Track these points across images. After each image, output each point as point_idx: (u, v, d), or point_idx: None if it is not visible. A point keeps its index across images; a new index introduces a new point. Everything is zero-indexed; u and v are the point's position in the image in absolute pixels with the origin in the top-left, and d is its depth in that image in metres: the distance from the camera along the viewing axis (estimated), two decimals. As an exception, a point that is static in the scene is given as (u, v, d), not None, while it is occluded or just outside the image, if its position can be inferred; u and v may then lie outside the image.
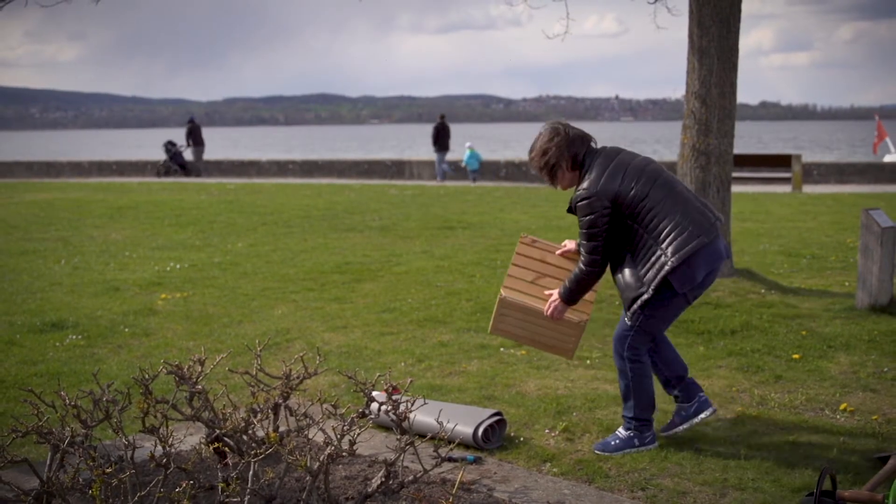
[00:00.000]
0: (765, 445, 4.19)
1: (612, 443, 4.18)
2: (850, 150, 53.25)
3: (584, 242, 4.05)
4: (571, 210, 4.12)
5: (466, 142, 25.02)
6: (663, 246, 3.94)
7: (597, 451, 4.17)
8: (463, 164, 23.62)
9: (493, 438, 4.30)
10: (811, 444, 4.20)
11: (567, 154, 4.08)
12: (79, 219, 14.31)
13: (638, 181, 3.99)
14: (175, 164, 25.64)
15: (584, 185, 4.01)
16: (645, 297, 3.99)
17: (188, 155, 26.10)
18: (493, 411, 4.35)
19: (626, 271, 4.06)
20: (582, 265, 4.09)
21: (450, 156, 24.56)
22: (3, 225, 13.63)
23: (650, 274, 3.98)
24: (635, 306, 4.04)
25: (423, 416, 4.23)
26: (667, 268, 3.91)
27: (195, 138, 25.81)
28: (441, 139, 23.88)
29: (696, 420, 4.24)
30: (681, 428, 4.26)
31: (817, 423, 4.49)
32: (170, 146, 25.83)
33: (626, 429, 4.21)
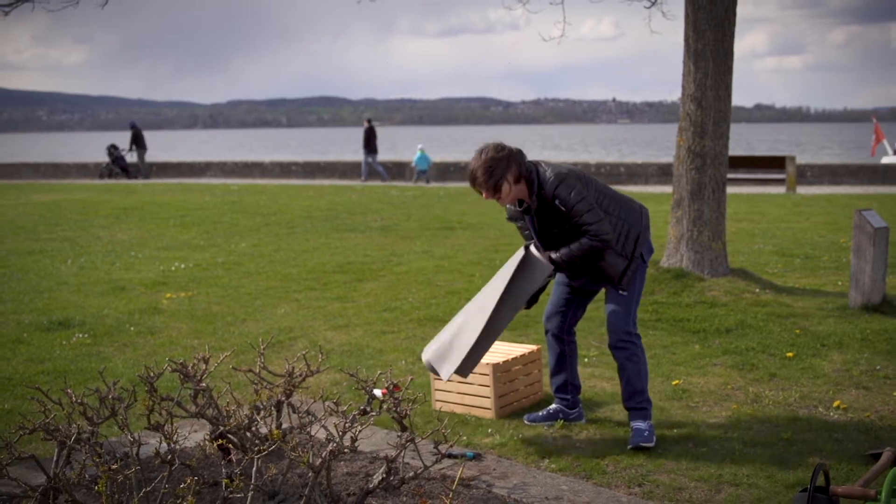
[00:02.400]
0: (759, 442, 4.22)
1: (646, 433, 4.22)
2: (857, 152, 53.27)
3: (584, 216, 4.09)
4: (527, 210, 4.23)
5: (419, 143, 25.70)
6: (629, 221, 4.23)
7: (643, 445, 4.16)
8: (413, 165, 24.06)
9: None
10: (805, 440, 4.23)
11: (513, 166, 4.13)
12: (85, 219, 14.41)
13: (583, 178, 4.21)
14: (117, 167, 26.47)
15: (549, 175, 4.12)
16: (631, 266, 4.22)
17: (132, 158, 26.83)
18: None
19: (605, 253, 4.19)
20: (596, 236, 4.11)
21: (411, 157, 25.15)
22: (10, 225, 13.73)
23: (628, 245, 4.21)
24: (626, 277, 4.23)
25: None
26: (640, 237, 4.23)
27: (138, 142, 26.48)
28: (370, 141, 24.60)
29: (566, 423, 4.58)
30: (547, 423, 4.58)
31: (811, 420, 4.52)
32: (112, 149, 26.68)
33: (646, 418, 4.28)
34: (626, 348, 4.30)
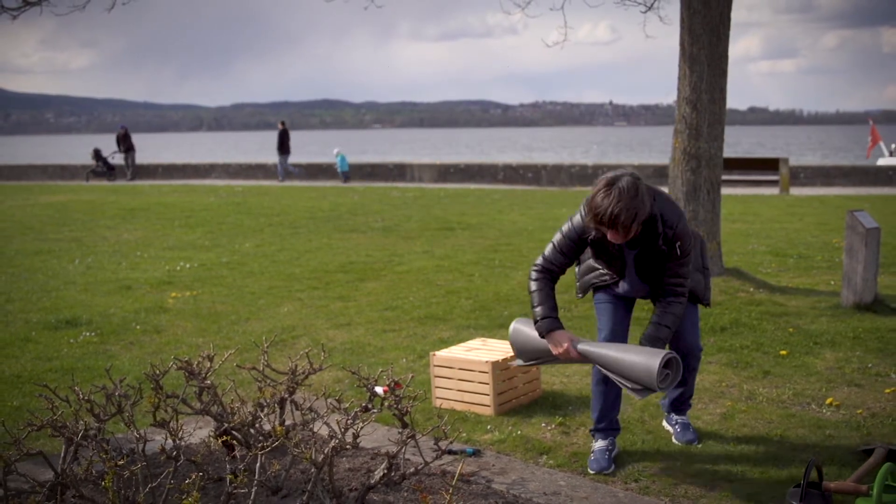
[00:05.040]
0: (753, 438, 4.26)
1: (692, 429, 4.31)
2: (854, 155, 53.35)
3: (682, 270, 3.78)
4: (631, 244, 3.78)
5: (335, 147, 27.13)
6: (694, 232, 4.03)
7: (694, 444, 4.21)
8: (337, 168, 25.46)
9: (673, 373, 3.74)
10: (798, 437, 4.26)
11: (647, 204, 3.63)
12: (92, 220, 14.52)
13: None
14: (104, 167, 27.13)
15: (669, 217, 3.71)
16: (706, 277, 4.13)
17: (118, 160, 27.58)
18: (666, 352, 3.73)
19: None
20: (681, 298, 3.82)
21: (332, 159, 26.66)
22: (19, 226, 13.84)
23: (699, 258, 4.09)
24: (708, 290, 4.13)
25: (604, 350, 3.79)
26: (703, 244, 4.17)
27: (127, 144, 26.98)
28: (283, 143, 25.62)
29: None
30: (611, 465, 4.07)
31: (804, 416, 4.55)
32: (97, 152, 27.37)
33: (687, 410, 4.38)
34: (693, 365, 4.22)
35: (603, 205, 3.56)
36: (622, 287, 4.02)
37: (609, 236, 3.68)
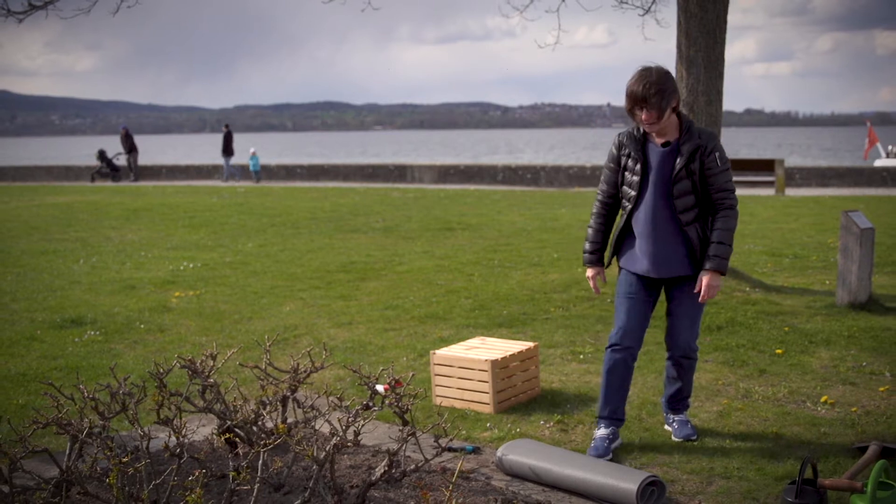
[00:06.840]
0: (749, 436, 4.28)
1: (689, 426, 4.34)
2: (850, 156, 53.33)
3: (726, 184, 3.96)
4: (682, 160, 3.91)
5: (251, 147, 27.78)
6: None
7: (692, 440, 4.25)
8: (250, 168, 26.27)
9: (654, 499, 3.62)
10: (793, 434, 4.29)
11: (677, 94, 3.93)
12: (96, 220, 14.57)
13: None
14: (109, 168, 27.45)
15: (702, 130, 3.98)
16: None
17: (122, 161, 27.89)
18: (648, 474, 3.63)
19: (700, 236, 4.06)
20: (733, 208, 3.99)
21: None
22: (24, 226, 13.88)
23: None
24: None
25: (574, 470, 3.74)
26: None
27: (129, 145, 27.31)
28: (227, 145, 26.37)
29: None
30: (613, 447, 4.19)
31: (799, 414, 4.58)
32: (102, 154, 27.71)
33: (686, 409, 4.43)
34: (687, 365, 4.28)
35: (639, 81, 3.87)
36: (641, 223, 4.07)
37: (644, 118, 3.91)
